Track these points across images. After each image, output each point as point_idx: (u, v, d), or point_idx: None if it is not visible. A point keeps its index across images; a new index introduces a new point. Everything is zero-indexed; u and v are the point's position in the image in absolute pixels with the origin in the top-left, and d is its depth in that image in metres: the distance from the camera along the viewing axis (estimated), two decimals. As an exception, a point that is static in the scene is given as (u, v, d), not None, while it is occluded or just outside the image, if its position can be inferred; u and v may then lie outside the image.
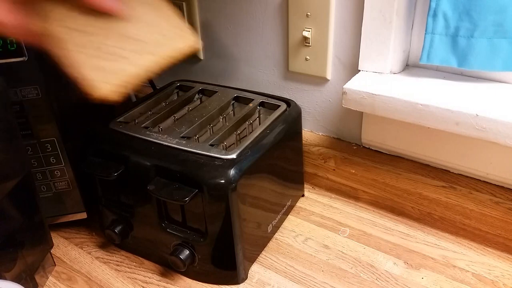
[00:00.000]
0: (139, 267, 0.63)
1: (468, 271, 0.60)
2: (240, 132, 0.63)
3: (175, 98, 0.73)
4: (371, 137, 0.71)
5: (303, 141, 0.74)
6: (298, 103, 0.69)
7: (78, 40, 0.39)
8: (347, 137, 0.75)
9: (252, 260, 0.62)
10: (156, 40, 0.43)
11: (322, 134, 0.77)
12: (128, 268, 0.63)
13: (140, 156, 0.57)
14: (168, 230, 0.59)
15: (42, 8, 0.38)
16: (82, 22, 0.39)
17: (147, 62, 0.42)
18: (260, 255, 0.64)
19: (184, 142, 0.57)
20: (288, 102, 0.68)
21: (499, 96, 0.57)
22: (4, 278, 0.53)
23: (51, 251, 0.63)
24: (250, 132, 0.63)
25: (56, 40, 0.39)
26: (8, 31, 0.38)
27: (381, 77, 0.63)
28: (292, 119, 0.66)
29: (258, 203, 0.60)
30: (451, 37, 0.56)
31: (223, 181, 0.53)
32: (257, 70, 0.78)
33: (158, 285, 0.60)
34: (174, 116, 0.66)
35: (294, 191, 0.73)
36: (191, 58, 0.85)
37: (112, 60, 0.40)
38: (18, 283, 0.48)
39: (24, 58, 0.54)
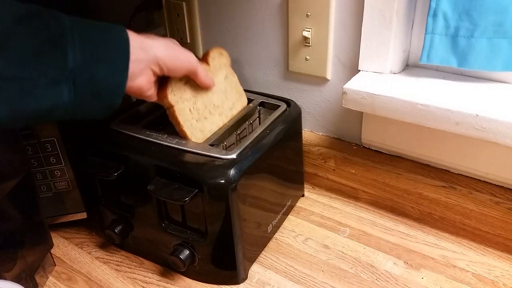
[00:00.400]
0: (139, 267, 0.63)
1: (468, 271, 0.60)
2: (240, 132, 0.63)
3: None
4: (371, 137, 0.71)
5: (303, 141, 0.74)
6: (298, 103, 0.69)
7: (181, 106, 0.56)
8: (347, 137, 0.75)
9: (252, 260, 0.62)
10: (228, 105, 0.63)
11: (322, 134, 0.77)
12: (128, 268, 0.63)
13: (140, 156, 0.57)
14: (168, 230, 0.59)
15: (169, 82, 0.54)
16: (185, 92, 0.56)
17: (222, 122, 0.62)
18: (260, 255, 0.64)
19: (184, 142, 0.57)
20: (288, 102, 0.68)
21: (499, 96, 0.57)
22: (4, 278, 0.53)
23: (51, 251, 0.63)
24: (250, 132, 0.64)
25: (169, 105, 0.55)
26: (148, 99, 0.54)
27: (381, 77, 0.63)
28: (292, 119, 0.66)
29: (258, 203, 0.60)
30: (451, 37, 0.56)
31: (223, 181, 0.53)
32: (257, 70, 0.78)
33: (158, 285, 0.60)
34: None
35: (294, 191, 0.73)
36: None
37: (199, 121, 0.58)
38: (18, 283, 0.48)
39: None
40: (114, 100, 0.46)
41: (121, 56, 0.45)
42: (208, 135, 0.59)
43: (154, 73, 0.50)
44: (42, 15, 0.41)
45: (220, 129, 0.61)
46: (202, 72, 0.56)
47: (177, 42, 0.54)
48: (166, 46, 0.50)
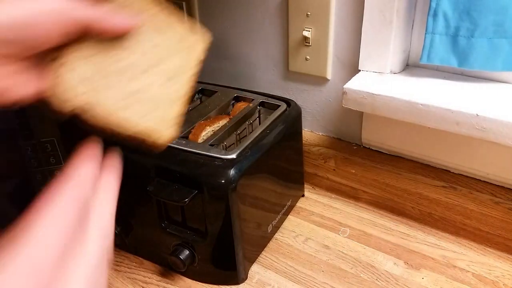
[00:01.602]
0: (139, 267, 0.63)
1: (468, 271, 0.60)
2: (240, 132, 0.63)
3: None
4: (371, 137, 0.71)
5: (303, 141, 0.74)
6: (298, 103, 0.69)
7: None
8: (347, 137, 0.75)
9: (252, 260, 0.62)
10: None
11: (322, 134, 0.77)
12: (128, 268, 0.63)
13: (140, 156, 0.57)
14: (168, 230, 0.59)
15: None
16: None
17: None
18: (260, 255, 0.64)
19: (184, 142, 0.57)
20: (288, 102, 0.67)
21: (499, 96, 0.57)
22: (4, 278, 0.52)
23: (51, 251, 0.63)
24: (250, 132, 0.63)
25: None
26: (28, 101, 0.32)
27: (381, 77, 0.63)
28: (292, 119, 0.66)
29: (258, 203, 0.60)
30: (451, 37, 0.56)
31: (223, 181, 0.52)
32: (257, 70, 0.78)
33: (158, 285, 0.60)
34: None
35: (294, 191, 0.72)
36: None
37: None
38: (18, 283, 0.48)
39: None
40: None
41: None
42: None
43: (7, 58, 0.30)
44: None
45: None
46: (103, 20, 0.33)
47: None
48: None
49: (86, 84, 0.33)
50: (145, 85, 0.36)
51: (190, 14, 0.80)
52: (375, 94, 0.60)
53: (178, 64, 0.39)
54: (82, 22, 0.31)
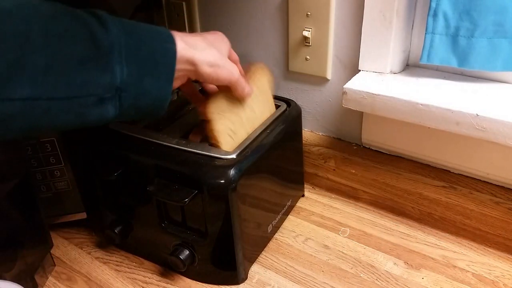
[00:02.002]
0: (139, 267, 0.63)
1: (468, 271, 0.60)
2: (240, 132, 0.63)
3: (175, 98, 0.73)
4: (371, 137, 0.71)
5: (303, 141, 0.74)
6: (298, 103, 0.69)
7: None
8: (347, 137, 0.75)
9: (252, 260, 0.62)
10: (259, 121, 0.62)
11: (322, 134, 0.77)
12: (128, 268, 0.63)
13: (140, 156, 0.57)
14: (168, 230, 0.59)
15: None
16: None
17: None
18: (260, 255, 0.64)
19: (184, 142, 0.57)
20: (288, 102, 0.68)
21: (499, 96, 0.57)
22: (4, 278, 0.53)
23: (51, 251, 0.63)
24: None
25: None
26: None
27: (381, 77, 0.63)
28: (292, 119, 0.66)
29: (258, 203, 0.60)
30: (451, 37, 0.56)
31: (223, 181, 0.52)
32: (257, 70, 0.78)
33: (158, 285, 0.60)
34: (174, 116, 0.66)
35: (294, 191, 0.72)
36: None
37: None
38: (18, 283, 0.48)
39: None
40: (159, 112, 0.45)
41: (167, 69, 0.43)
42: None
43: (189, 79, 0.49)
44: (78, 17, 0.38)
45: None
46: (240, 86, 0.54)
47: (225, 45, 0.52)
48: (212, 61, 0.48)
49: (213, 113, 0.54)
50: (238, 128, 0.58)
51: (190, 14, 0.80)
52: (375, 94, 0.60)
53: (260, 121, 0.61)
54: (234, 82, 0.52)
